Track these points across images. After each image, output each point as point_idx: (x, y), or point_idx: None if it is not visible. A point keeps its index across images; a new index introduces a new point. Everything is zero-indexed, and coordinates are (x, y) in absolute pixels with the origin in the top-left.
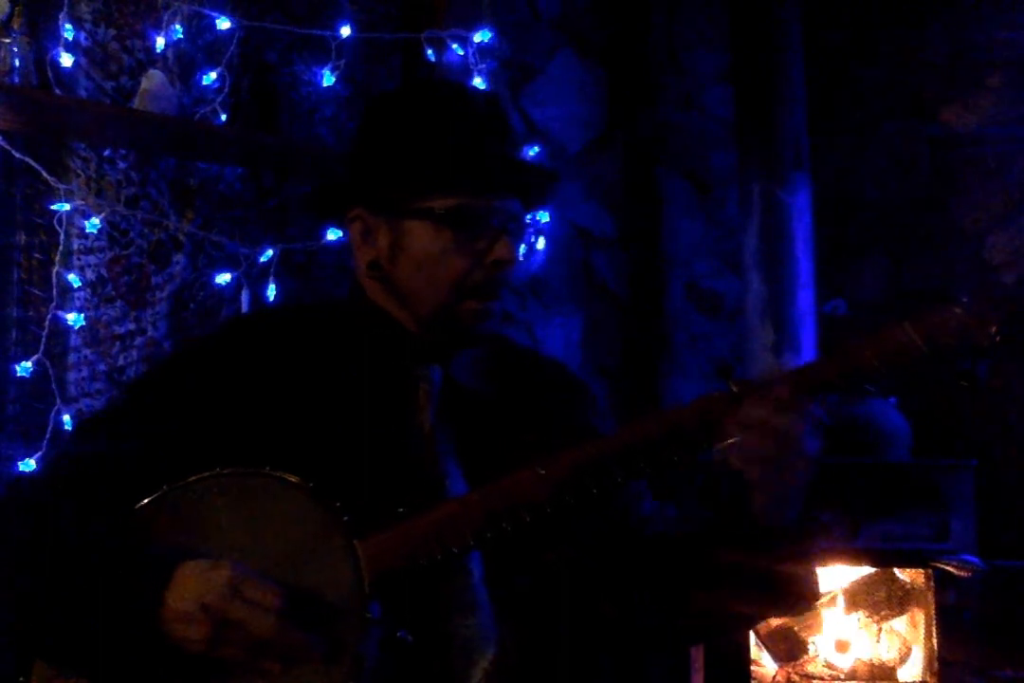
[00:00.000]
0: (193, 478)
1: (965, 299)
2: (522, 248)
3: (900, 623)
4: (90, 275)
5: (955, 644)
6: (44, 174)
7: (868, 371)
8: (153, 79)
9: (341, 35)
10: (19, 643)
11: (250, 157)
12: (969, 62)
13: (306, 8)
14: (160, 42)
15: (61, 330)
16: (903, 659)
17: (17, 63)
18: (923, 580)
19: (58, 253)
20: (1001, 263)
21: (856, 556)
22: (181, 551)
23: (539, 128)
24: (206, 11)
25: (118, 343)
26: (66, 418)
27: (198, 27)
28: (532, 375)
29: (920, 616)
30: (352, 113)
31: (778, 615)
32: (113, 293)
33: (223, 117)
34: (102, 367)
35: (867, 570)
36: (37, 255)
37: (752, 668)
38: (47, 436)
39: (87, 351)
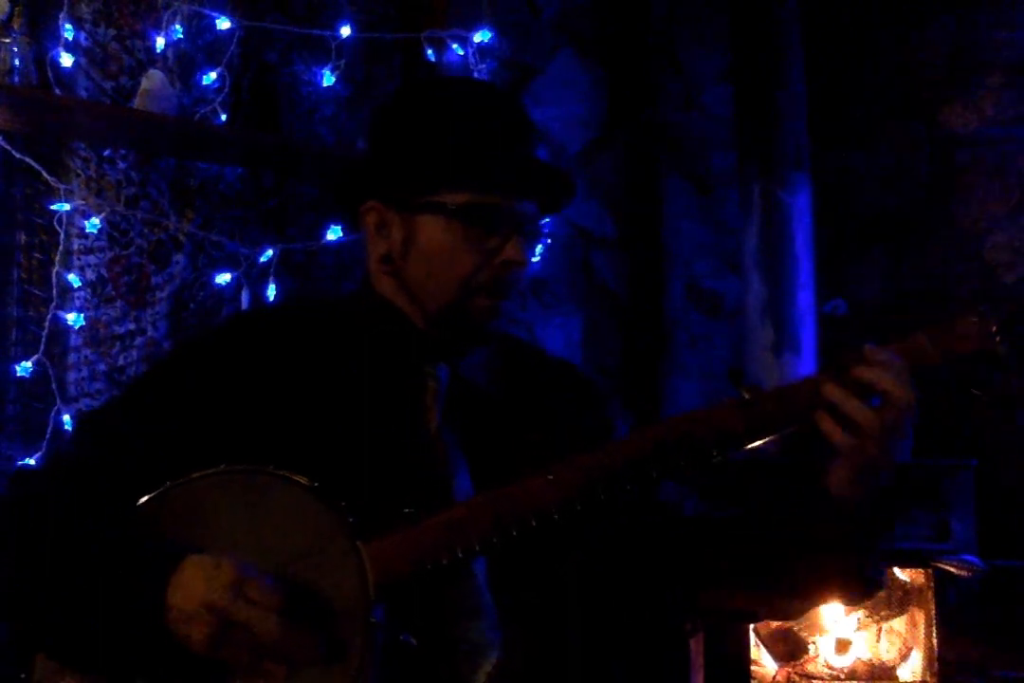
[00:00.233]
0: (196, 475)
1: (983, 308)
2: (538, 251)
3: (900, 623)
4: (90, 275)
5: (955, 644)
6: (44, 174)
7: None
8: (153, 79)
9: (341, 35)
10: (20, 638)
11: (250, 157)
12: (969, 62)
13: (306, 8)
14: (160, 42)
15: (61, 330)
16: (903, 659)
17: (17, 63)
18: (923, 580)
19: (58, 253)
20: (1001, 263)
21: None
22: (183, 548)
23: (539, 128)
24: (206, 11)
25: (118, 343)
26: (66, 418)
27: (198, 27)
28: (541, 375)
29: (920, 616)
30: (352, 113)
31: (842, 602)
32: (113, 293)
33: (223, 117)
34: (102, 367)
35: None
36: (37, 255)
37: (752, 668)
38: (47, 436)
39: (87, 351)
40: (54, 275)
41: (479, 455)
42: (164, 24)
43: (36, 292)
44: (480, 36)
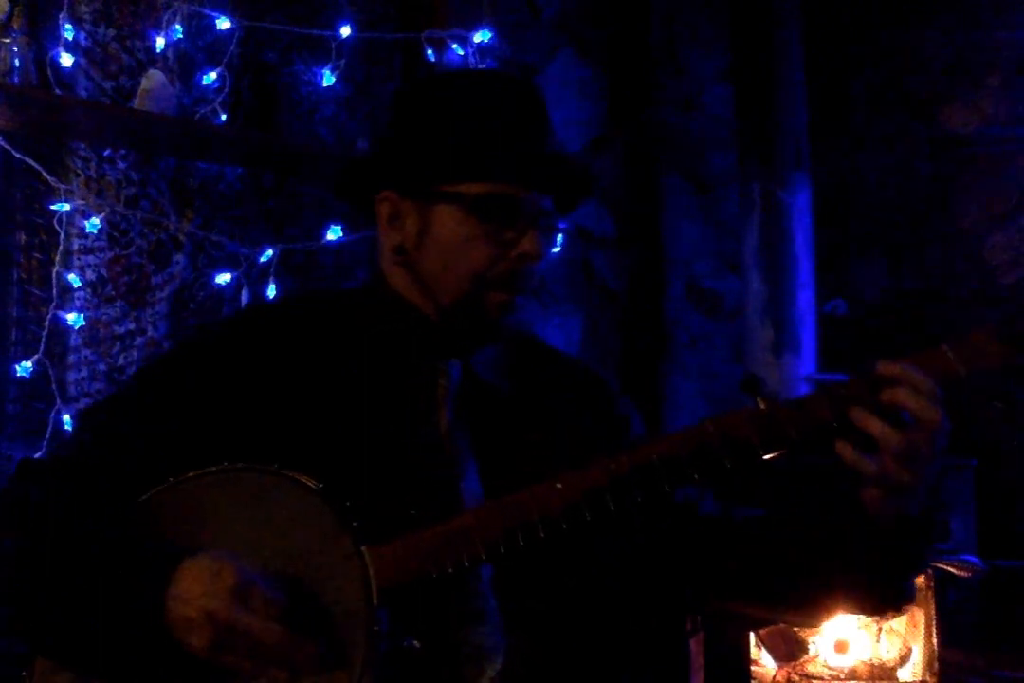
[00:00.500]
0: (199, 472)
1: (1004, 319)
2: (556, 245)
3: (900, 623)
4: (90, 275)
5: (955, 644)
6: (44, 174)
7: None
8: (153, 79)
9: (341, 35)
10: (19, 638)
11: (250, 157)
12: (969, 62)
13: (306, 8)
14: (160, 42)
15: (61, 330)
16: (903, 659)
17: (17, 63)
18: (923, 580)
19: (58, 253)
20: (1001, 263)
21: None
22: (183, 547)
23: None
24: (206, 11)
25: (118, 343)
26: (66, 418)
27: (198, 27)
28: (553, 373)
29: (920, 616)
30: (352, 113)
31: (865, 614)
32: (113, 293)
33: (223, 117)
34: (102, 367)
35: None
36: (37, 255)
37: (752, 668)
38: (47, 436)
39: (87, 351)
40: (54, 275)
41: (489, 455)
42: (164, 24)
43: (36, 292)
44: (480, 36)
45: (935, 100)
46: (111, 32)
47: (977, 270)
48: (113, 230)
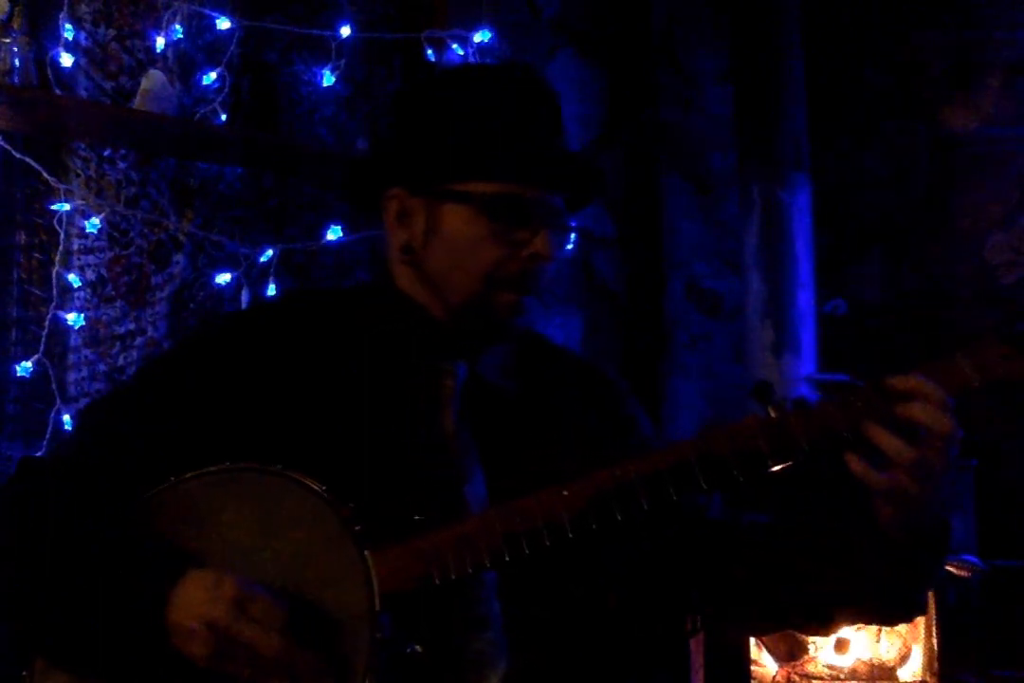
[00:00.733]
0: (200, 471)
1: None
2: (569, 244)
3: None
4: (90, 275)
5: (955, 644)
6: (44, 174)
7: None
8: (153, 79)
9: (341, 35)
10: (19, 638)
11: (250, 157)
12: (969, 62)
13: (306, 8)
14: (160, 42)
15: (61, 330)
16: (903, 659)
17: (17, 63)
18: None
19: (58, 253)
20: (1001, 263)
21: None
22: (183, 549)
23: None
24: (206, 11)
25: (118, 343)
26: (66, 418)
27: (198, 27)
28: (561, 374)
29: (920, 616)
30: (352, 113)
31: (874, 624)
32: (113, 293)
33: (223, 117)
34: (102, 367)
35: None
36: (37, 255)
37: (752, 668)
38: (47, 436)
39: (87, 351)
40: (54, 275)
41: (495, 458)
42: (164, 24)
43: (36, 292)
44: (480, 36)
45: (935, 100)
46: (111, 32)
47: (977, 270)
48: (113, 230)
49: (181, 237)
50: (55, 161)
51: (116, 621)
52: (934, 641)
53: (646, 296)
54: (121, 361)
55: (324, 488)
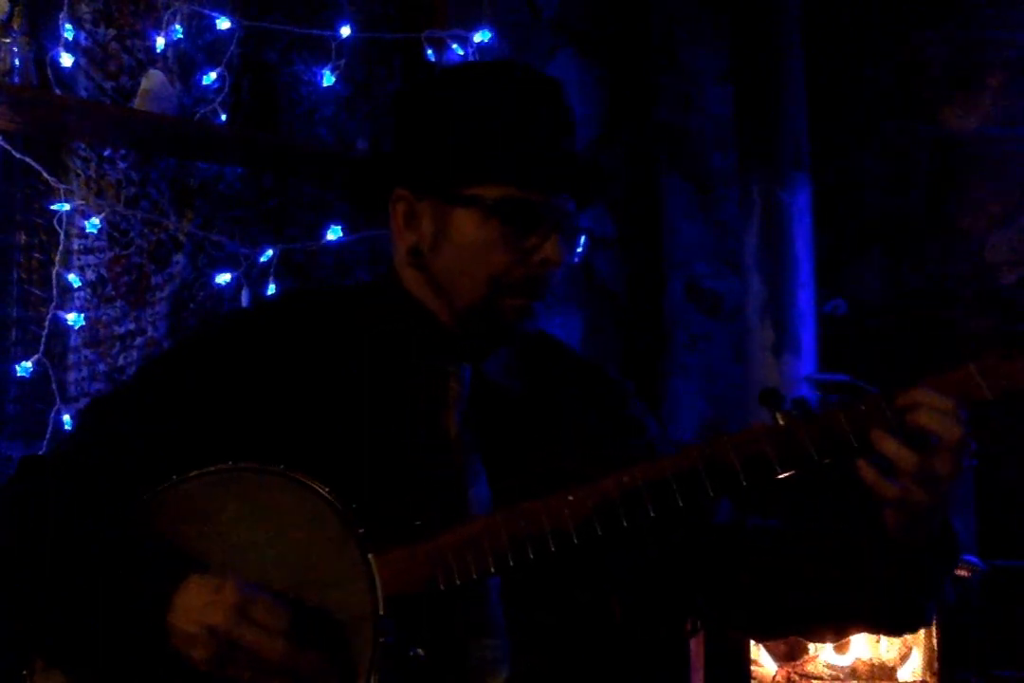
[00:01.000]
0: (201, 471)
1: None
2: (579, 247)
3: None
4: (90, 275)
5: (955, 644)
6: (44, 174)
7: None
8: (153, 79)
9: (341, 35)
10: (19, 638)
11: (250, 157)
12: (969, 62)
13: (306, 8)
14: (160, 42)
15: (61, 330)
16: (903, 659)
17: (17, 63)
18: None
19: (58, 253)
20: (1001, 263)
21: None
22: (184, 550)
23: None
24: (206, 11)
25: (118, 343)
26: (66, 418)
27: (198, 27)
28: (566, 375)
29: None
30: (352, 113)
31: (881, 633)
32: (113, 293)
33: (223, 117)
34: (102, 367)
35: None
36: (37, 255)
37: (752, 668)
38: (47, 436)
39: (87, 351)
40: (54, 275)
41: (499, 462)
42: (164, 24)
43: (36, 292)
44: (480, 36)
45: (935, 100)
46: (111, 32)
47: (977, 270)
48: (113, 230)
49: (181, 237)
50: (55, 161)
51: (116, 622)
52: (934, 641)
53: (646, 296)
54: (121, 361)
55: (328, 489)
